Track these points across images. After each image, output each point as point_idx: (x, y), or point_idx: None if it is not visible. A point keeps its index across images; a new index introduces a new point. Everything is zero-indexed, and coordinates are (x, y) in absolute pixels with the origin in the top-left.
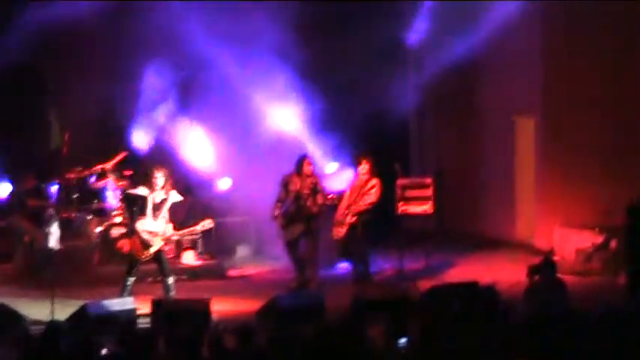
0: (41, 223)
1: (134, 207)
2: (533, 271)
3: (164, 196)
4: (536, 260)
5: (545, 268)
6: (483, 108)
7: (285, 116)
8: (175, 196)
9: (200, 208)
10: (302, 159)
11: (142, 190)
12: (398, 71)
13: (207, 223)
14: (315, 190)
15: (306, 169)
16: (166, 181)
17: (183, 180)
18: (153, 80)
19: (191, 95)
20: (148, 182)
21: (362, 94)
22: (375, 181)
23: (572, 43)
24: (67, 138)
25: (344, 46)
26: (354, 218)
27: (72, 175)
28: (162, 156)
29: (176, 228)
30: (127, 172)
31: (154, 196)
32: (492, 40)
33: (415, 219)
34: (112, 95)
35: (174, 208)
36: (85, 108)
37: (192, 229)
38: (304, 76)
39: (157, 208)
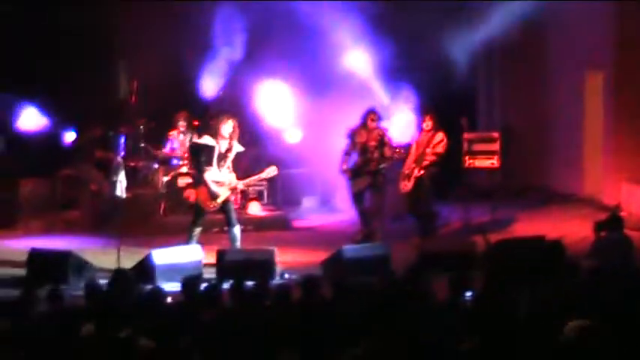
0: (108, 172)
1: (201, 157)
2: (599, 226)
3: (228, 146)
4: (603, 216)
5: (612, 224)
6: (552, 62)
7: (355, 65)
8: (238, 147)
9: (265, 160)
10: (368, 113)
11: (208, 140)
12: (466, 24)
13: (271, 170)
14: (382, 142)
15: (371, 124)
16: (233, 130)
17: (250, 130)
18: (222, 27)
19: (261, 43)
20: (214, 131)
21: (431, 46)
22: (440, 134)
23: None
24: (135, 86)
25: None
26: (421, 171)
27: (141, 125)
28: (231, 105)
29: (239, 178)
30: (195, 123)
31: (219, 146)
32: None
33: (481, 173)
34: (181, 43)
35: (237, 158)
36: (153, 56)
37: (257, 176)
38: (375, 25)
39: (221, 157)
